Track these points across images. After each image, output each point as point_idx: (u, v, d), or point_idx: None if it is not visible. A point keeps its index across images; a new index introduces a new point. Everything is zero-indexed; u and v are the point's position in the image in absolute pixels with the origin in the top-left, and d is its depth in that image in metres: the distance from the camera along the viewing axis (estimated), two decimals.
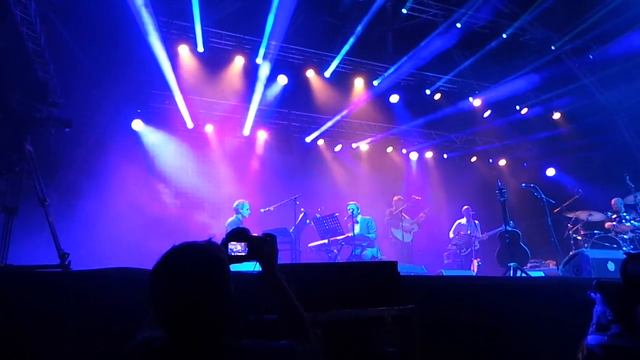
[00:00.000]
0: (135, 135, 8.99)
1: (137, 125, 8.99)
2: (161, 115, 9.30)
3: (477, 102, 11.00)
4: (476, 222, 9.10)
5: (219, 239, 1.68)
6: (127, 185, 8.18)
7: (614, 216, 7.84)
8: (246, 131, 10.01)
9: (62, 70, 7.23)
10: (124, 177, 8.18)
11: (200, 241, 1.54)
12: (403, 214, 8.87)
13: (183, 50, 8.85)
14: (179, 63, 8.82)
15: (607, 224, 7.85)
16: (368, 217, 8.13)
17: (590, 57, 9.75)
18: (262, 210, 7.76)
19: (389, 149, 11.64)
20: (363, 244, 7.59)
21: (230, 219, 7.57)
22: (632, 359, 2.59)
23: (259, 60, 9.20)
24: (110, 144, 8.27)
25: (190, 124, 9.44)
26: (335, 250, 7.35)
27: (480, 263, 8.22)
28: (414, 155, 11.95)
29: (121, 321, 2.31)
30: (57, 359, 2.21)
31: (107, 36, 7.48)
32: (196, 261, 1.45)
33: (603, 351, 2.66)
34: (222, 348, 1.46)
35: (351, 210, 8.00)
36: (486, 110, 11.16)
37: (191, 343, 1.42)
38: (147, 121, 9.11)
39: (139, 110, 9.00)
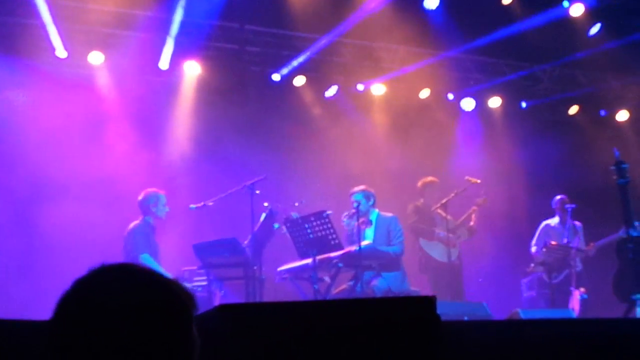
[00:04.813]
0: None
1: None
2: (11, 35, 9.21)
3: (577, 9, 10.86)
4: (577, 223, 9.27)
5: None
6: None
7: None
8: (163, 64, 9.93)
9: None
10: None
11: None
12: (441, 211, 8.93)
13: None
14: None
15: None
16: (389, 214, 8.20)
17: None
18: (192, 206, 7.97)
19: (424, 93, 11.62)
20: (380, 264, 7.66)
21: (134, 223, 7.77)
22: None
23: None
24: None
25: (62, 52, 9.36)
26: (326, 279, 7.50)
27: (584, 296, 8.37)
28: (468, 104, 12.02)
29: None
30: None
31: None
32: (143, 292, 1.32)
33: None
34: None
35: (357, 203, 7.99)
36: (594, 24, 11.06)
37: None
38: None
39: None
